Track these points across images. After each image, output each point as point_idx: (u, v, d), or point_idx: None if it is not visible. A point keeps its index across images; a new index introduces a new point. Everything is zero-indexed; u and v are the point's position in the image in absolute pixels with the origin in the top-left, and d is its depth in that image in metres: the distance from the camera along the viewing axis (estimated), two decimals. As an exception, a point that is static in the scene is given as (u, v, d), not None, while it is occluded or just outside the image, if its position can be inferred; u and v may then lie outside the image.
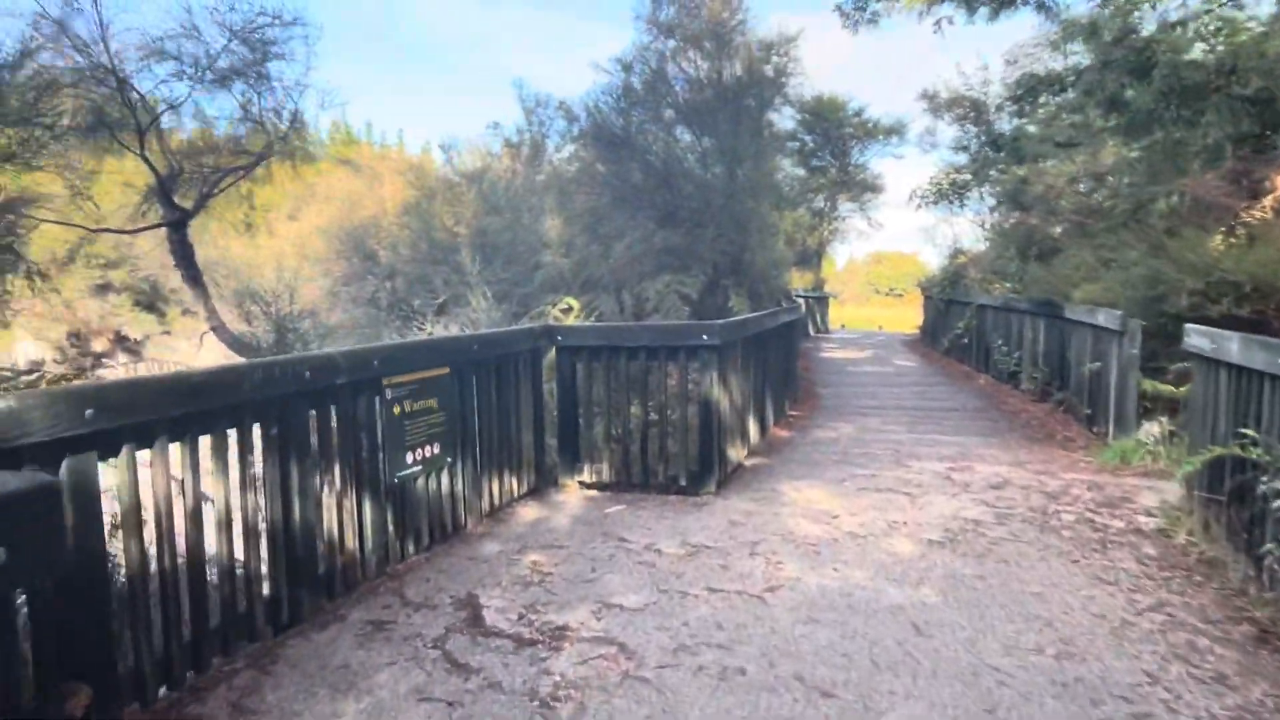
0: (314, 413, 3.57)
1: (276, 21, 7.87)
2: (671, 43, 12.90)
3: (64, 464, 2.46)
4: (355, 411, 3.79)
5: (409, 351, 4.21)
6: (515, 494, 5.26)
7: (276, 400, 3.28)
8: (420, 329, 8.86)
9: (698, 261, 8.28)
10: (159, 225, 8.82)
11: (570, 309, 7.67)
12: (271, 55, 7.98)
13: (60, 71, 7.09)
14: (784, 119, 19.26)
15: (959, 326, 13.40)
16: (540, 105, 10.76)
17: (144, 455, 2.77)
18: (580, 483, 5.70)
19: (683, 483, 5.51)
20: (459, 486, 4.61)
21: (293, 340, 8.22)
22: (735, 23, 12.79)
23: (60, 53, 7.28)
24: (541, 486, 5.59)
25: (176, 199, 8.28)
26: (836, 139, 23.10)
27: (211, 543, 3.06)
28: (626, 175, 9.15)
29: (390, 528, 4.03)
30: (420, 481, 4.26)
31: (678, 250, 8.31)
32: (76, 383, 2.76)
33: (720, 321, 5.52)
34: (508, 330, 5.36)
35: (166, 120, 8.22)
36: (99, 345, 31.86)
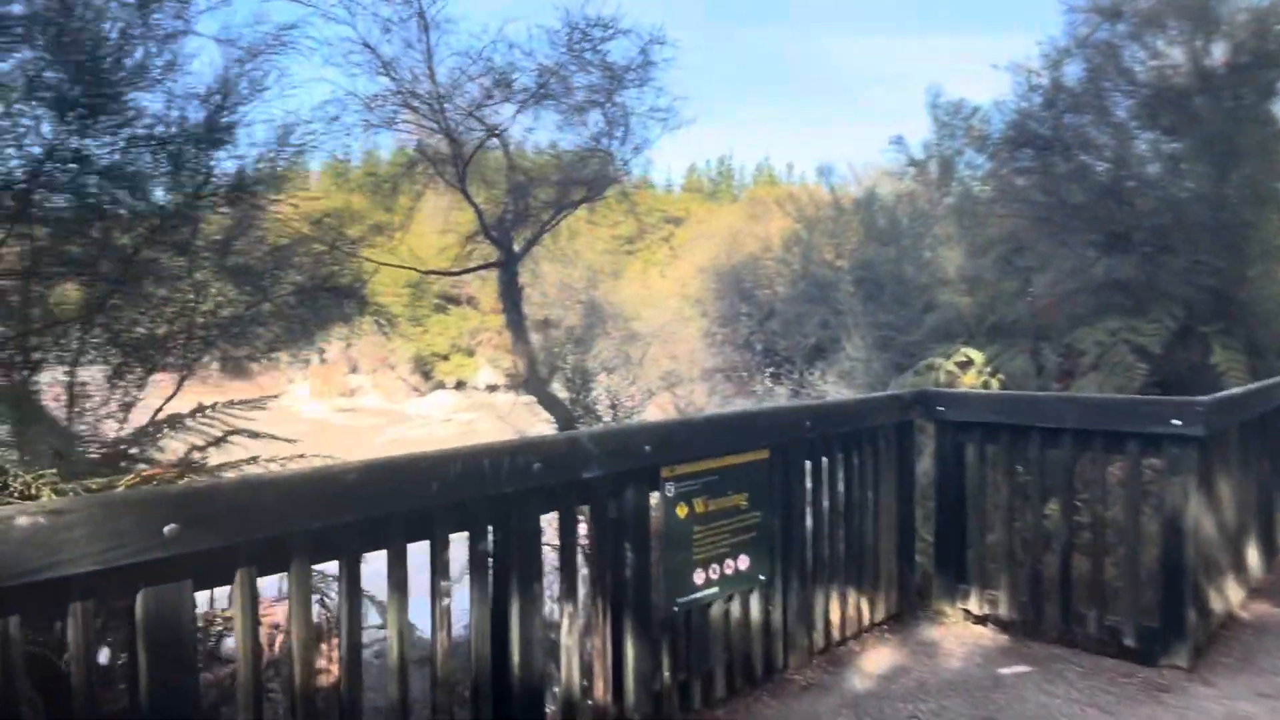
0: (551, 516, 2.62)
1: (616, 33, 7.40)
2: (1121, 26, 10.33)
3: (139, 597, 1.75)
4: (617, 513, 2.77)
5: (703, 430, 3.10)
6: (865, 622, 3.83)
7: (489, 501, 2.38)
8: (789, 377, 7.78)
9: (1160, 300, 6.00)
10: (485, 266, 8.96)
11: (969, 362, 5.97)
12: (626, 82, 7.55)
13: (383, 105, 7.38)
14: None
15: None
16: (954, 114, 9.03)
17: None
18: (965, 613, 4.06)
19: (1128, 641, 3.59)
20: (776, 614, 3.35)
21: (592, 401, 7.70)
22: (1221, -13, 9.79)
23: (383, 84, 7.46)
24: (905, 613, 4.06)
25: (496, 235, 8.26)
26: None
27: (378, 699, 2.23)
28: (1055, 188, 7.11)
29: (664, 673, 2.91)
30: (715, 608, 3.09)
31: (1129, 285, 6.11)
32: (156, 486, 2.07)
33: (1205, 399, 3.50)
34: (862, 399, 4.00)
35: (494, 154, 8.21)
36: (541, 370, 36.42)
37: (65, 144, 3.26)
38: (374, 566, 2.25)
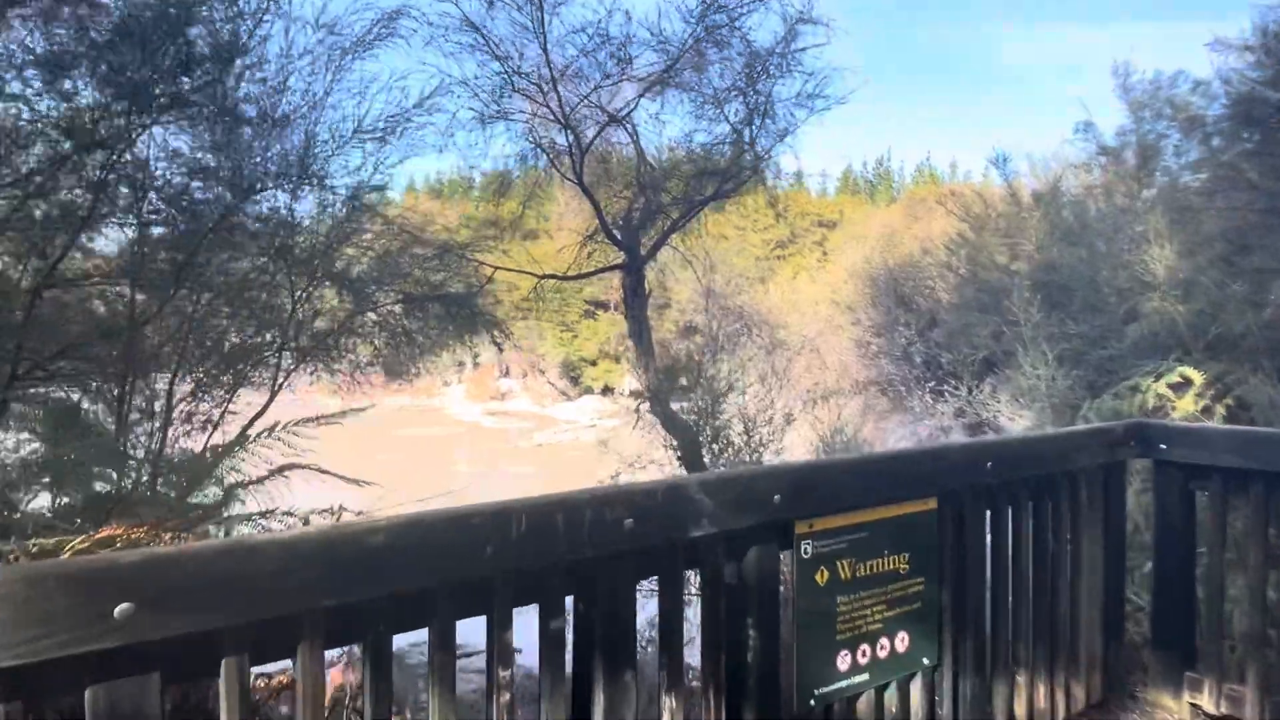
0: (649, 582, 2.07)
1: (756, 3, 6.54)
2: (1382, -20, 8.60)
3: (86, 697, 1.35)
4: (736, 579, 2.18)
5: (851, 474, 2.45)
6: (1060, 715, 3.03)
7: (566, 568, 1.86)
8: (954, 394, 6.86)
9: None
10: (606, 269, 8.35)
11: (1186, 384, 4.92)
12: (770, 67, 6.70)
13: (490, 89, 6.80)
14: None
15: None
16: (1156, 92, 7.69)
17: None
18: (1194, 709, 3.17)
19: None
20: (945, 707, 2.64)
21: (723, 424, 6.98)
22: None
23: (491, 70, 6.74)
24: (1111, 703, 3.22)
25: (620, 235, 7.57)
26: None
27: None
28: (1295, 174, 5.89)
29: (796, 785, 2.29)
30: (865, 700, 2.44)
31: (1405, 290, 4.88)
32: (107, 553, 1.63)
33: None
34: (1058, 434, 3.22)
35: (617, 145, 7.52)
36: (683, 380, 36.03)
37: (160, 142, 3.03)
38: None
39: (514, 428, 28.91)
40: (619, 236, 7.52)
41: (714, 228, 11.82)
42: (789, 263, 35.89)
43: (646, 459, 8.01)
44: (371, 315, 3.69)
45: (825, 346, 11.05)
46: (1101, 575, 3.16)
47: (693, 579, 2.29)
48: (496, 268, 6.73)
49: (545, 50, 6.57)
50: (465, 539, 1.68)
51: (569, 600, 1.91)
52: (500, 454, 24.57)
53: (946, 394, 7.38)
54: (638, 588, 2.02)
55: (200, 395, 3.21)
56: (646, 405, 8.29)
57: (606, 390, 34.50)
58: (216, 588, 1.41)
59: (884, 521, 2.47)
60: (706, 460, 7.27)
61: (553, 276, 8.76)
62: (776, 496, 2.17)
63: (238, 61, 3.11)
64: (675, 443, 7.62)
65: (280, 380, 3.40)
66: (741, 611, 2.18)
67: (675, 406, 8.28)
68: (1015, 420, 6.49)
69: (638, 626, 2.03)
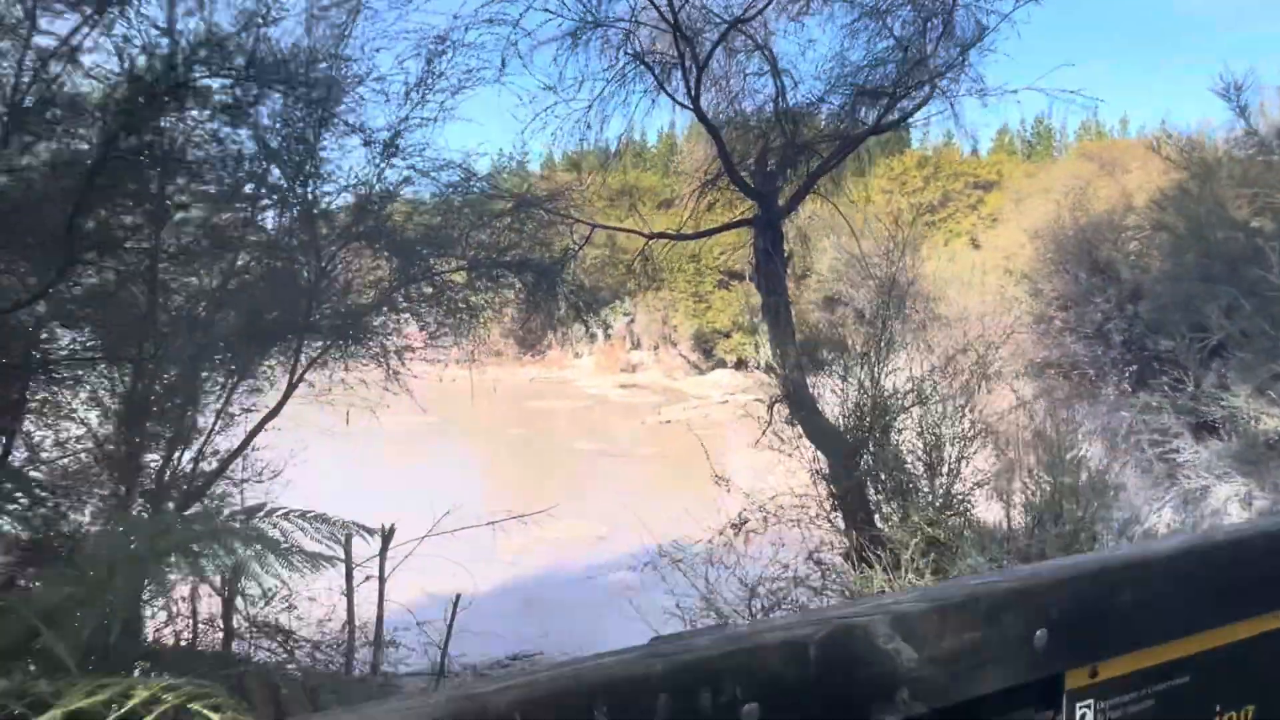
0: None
1: None
2: None
3: None
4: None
5: (1160, 575, 1.38)
6: None
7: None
8: (1178, 389, 5.41)
9: None
10: (734, 225, 7.05)
11: None
12: None
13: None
14: None
15: None
16: None
17: None
18: None
19: None
20: None
21: (897, 445, 5.63)
22: None
23: None
24: None
25: (756, 182, 6.26)
26: None
27: None
28: None
29: None
30: None
31: None
32: None
33: None
34: None
35: (746, 62, 6.12)
36: (823, 353, 34.36)
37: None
38: None
39: (643, 402, 28.28)
40: (749, 182, 6.25)
41: (858, 193, 10.72)
42: (939, 229, 33.51)
43: (782, 494, 6.40)
44: (428, 287, 2.91)
45: (995, 323, 9.57)
46: None
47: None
48: (595, 225, 5.70)
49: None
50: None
51: None
52: (625, 430, 23.98)
53: (1164, 386, 5.92)
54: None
55: (193, 398, 2.54)
56: (785, 411, 6.91)
57: (740, 364, 33.40)
58: None
59: (1214, 655, 1.39)
60: (871, 498, 5.87)
61: (663, 236, 7.59)
62: (1039, 632, 1.14)
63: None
64: (826, 471, 6.21)
65: (299, 371, 2.69)
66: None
67: (817, 389, 6.93)
68: (1262, 421, 5.04)
69: None
